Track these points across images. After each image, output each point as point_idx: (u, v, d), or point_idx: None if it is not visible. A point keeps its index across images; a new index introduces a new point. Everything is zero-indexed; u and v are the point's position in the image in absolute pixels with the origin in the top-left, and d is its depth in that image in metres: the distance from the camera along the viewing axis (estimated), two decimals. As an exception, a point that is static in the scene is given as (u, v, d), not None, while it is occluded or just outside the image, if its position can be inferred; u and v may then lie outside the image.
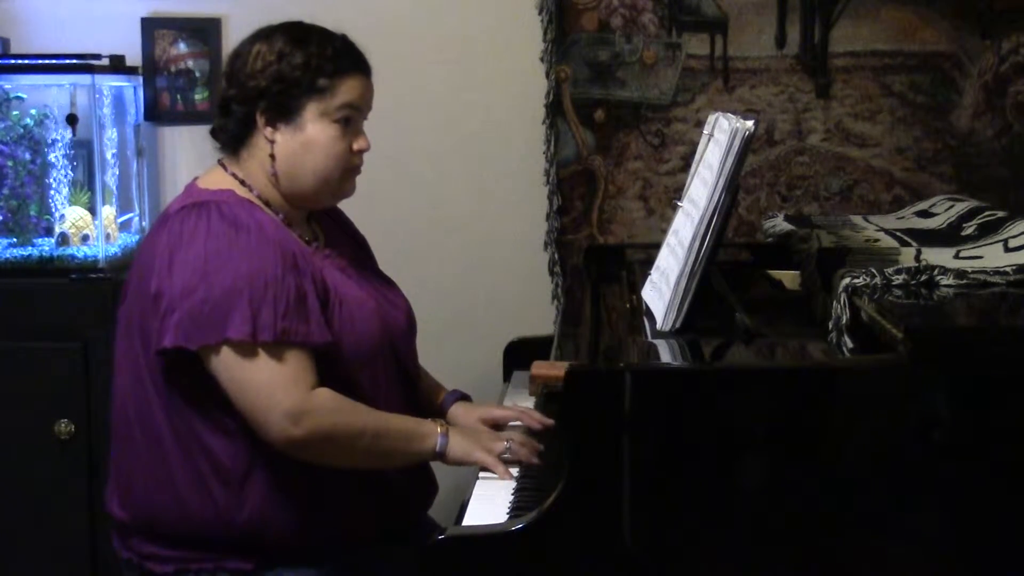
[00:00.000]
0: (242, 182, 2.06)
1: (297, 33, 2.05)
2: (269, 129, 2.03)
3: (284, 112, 2.02)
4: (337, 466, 1.97)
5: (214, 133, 2.11)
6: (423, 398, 2.27)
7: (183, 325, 1.88)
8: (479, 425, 2.21)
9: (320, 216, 2.19)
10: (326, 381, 1.95)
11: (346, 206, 2.30)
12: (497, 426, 2.21)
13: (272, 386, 1.89)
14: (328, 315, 1.98)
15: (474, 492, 2.00)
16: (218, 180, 2.06)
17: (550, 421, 2.14)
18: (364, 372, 2.03)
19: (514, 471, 2.05)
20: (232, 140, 2.08)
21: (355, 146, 2.07)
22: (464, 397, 2.32)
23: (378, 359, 2.07)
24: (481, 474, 2.07)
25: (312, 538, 1.98)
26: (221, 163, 2.10)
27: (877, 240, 2.34)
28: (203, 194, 2.01)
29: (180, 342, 1.89)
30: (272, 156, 2.04)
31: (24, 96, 3.03)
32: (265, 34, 2.06)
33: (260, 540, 1.96)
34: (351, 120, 2.05)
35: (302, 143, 2.03)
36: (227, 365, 1.90)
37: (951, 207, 2.54)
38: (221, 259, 1.90)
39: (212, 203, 1.97)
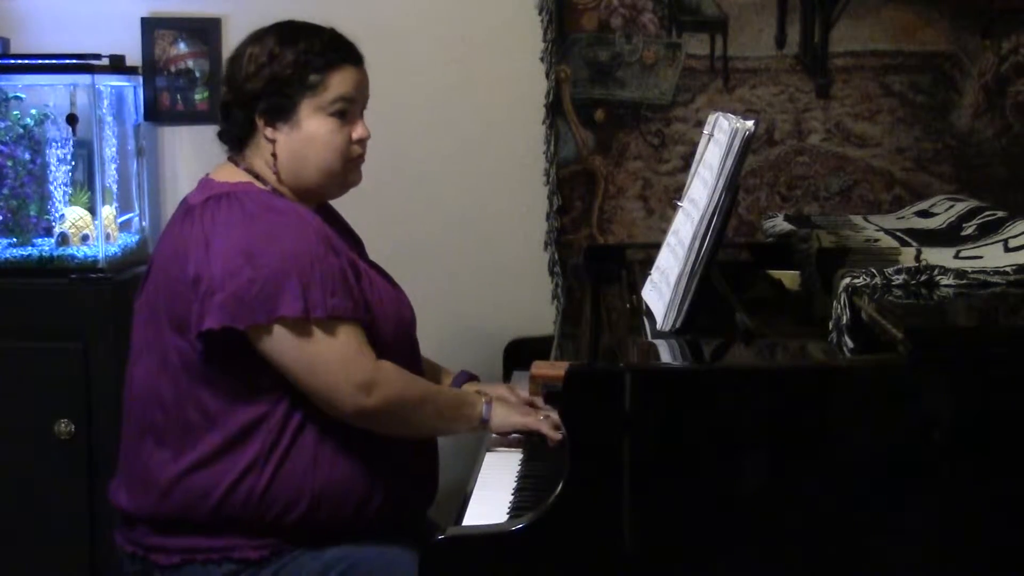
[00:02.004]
0: (256, 176, 2.10)
1: (286, 32, 2.09)
2: (269, 129, 2.07)
3: (280, 112, 2.06)
4: (398, 434, 2.04)
5: (221, 136, 2.15)
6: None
7: (228, 306, 1.92)
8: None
9: (322, 216, 2.20)
10: None
11: (346, 204, 2.30)
12: None
13: (342, 360, 1.96)
14: (363, 294, 2.03)
15: (474, 492, 2.01)
16: (233, 174, 2.11)
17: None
18: (390, 353, 2.07)
19: (515, 468, 2.07)
20: (237, 142, 2.12)
21: (354, 135, 2.11)
22: (472, 377, 2.38)
23: (400, 341, 2.13)
24: (481, 474, 2.07)
25: (318, 515, 2.00)
26: (231, 160, 2.14)
27: (877, 240, 2.34)
28: (224, 186, 2.06)
29: (227, 322, 1.93)
30: (274, 155, 2.07)
31: (24, 96, 3.03)
32: (257, 36, 2.11)
33: (269, 514, 1.99)
34: (347, 111, 2.09)
35: (301, 140, 2.07)
36: (288, 343, 1.94)
37: (951, 207, 2.54)
38: (265, 241, 1.95)
39: (240, 192, 2.02)
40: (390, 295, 2.13)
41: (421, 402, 2.04)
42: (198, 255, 1.96)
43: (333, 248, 2.00)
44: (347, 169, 2.12)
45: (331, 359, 1.95)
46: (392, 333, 2.09)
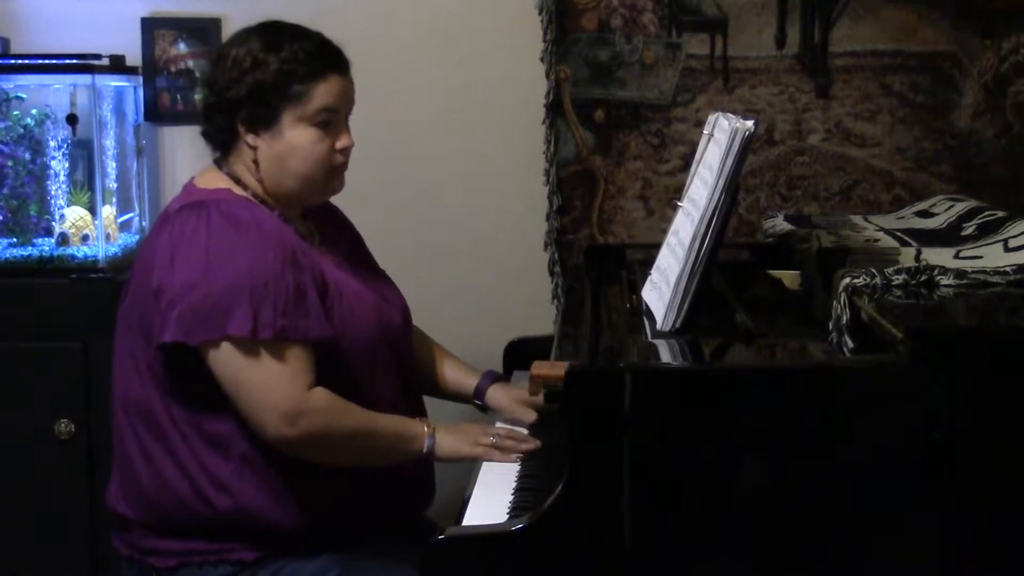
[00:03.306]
0: (237, 181, 2.08)
1: (270, 37, 2.05)
2: (251, 136, 2.05)
3: (262, 120, 2.04)
4: (329, 464, 1.99)
5: (204, 136, 2.13)
6: (453, 381, 2.33)
7: (184, 320, 1.91)
8: (518, 408, 2.25)
9: (315, 213, 2.20)
10: (327, 375, 1.97)
11: (345, 205, 2.30)
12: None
13: (269, 386, 1.91)
14: (328, 309, 2.00)
15: (474, 492, 2.01)
16: (215, 179, 2.08)
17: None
18: (364, 366, 2.05)
19: (514, 468, 2.07)
20: (220, 145, 2.10)
21: (337, 145, 2.08)
22: (500, 378, 2.36)
23: (377, 353, 2.09)
24: (480, 475, 2.07)
25: (310, 525, 2.00)
26: (216, 162, 2.12)
27: (877, 240, 2.34)
28: (201, 193, 2.04)
29: (180, 337, 1.91)
30: (255, 162, 2.06)
31: (24, 96, 3.03)
32: (241, 38, 2.07)
33: (260, 525, 1.98)
34: (331, 121, 2.06)
35: (282, 149, 2.04)
36: (227, 362, 1.92)
37: (951, 207, 2.54)
38: (222, 256, 1.93)
39: (212, 202, 2.00)
40: (366, 305, 2.08)
41: (352, 436, 1.99)
42: (162, 267, 1.95)
43: (296, 264, 1.96)
44: (328, 177, 2.08)
45: (259, 383, 1.91)
46: (366, 345, 2.06)
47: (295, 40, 2.05)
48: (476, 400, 2.35)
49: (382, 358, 2.10)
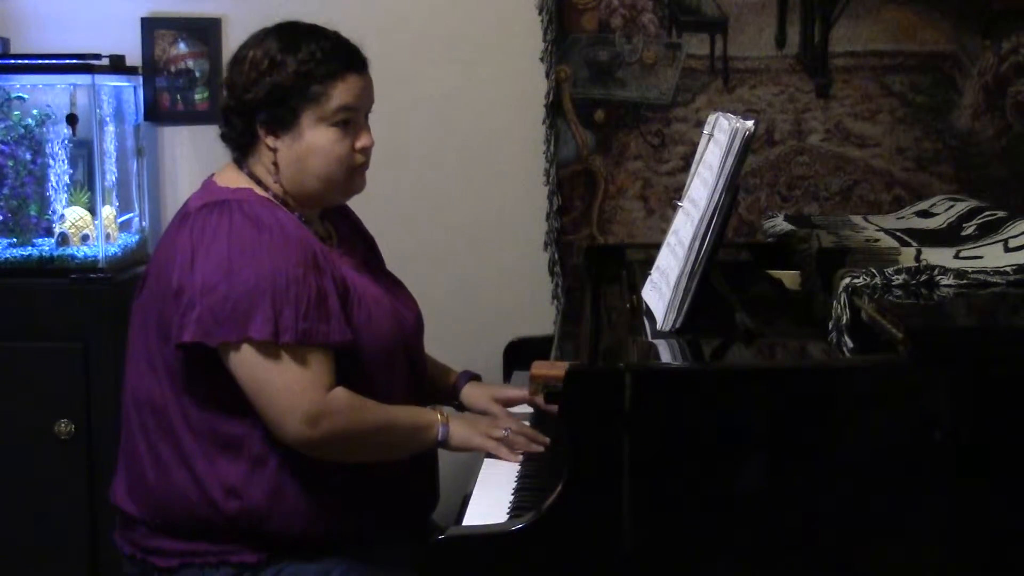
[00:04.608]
0: (258, 182, 2.07)
1: (288, 38, 2.04)
2: (271, 138, 2.04)
3: (281, 122, 2.03)
4: (346, 461, 2.00)
5: (223, 138, 2.12)
6: (431, 381, 2.31)
7: (204, 321, 1.90)
8: (492, 405, 2.27)
9: (332, 215, 2.19)
10: (344, 378, 1.98)
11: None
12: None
13: (291, 389, 1.91)
14: (348, 313, 2.00)
15: (474, 492, 2.01)
16: (236, 179, 2.07)
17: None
18: (380, 369, 2.05)
19: (515, 468, 2.07)
20: (239, 147, 2.09)
21: (358, 144, 2.07)
22: (475, 377, 2.36)
23: (393, 357, 2.09)
24: (481, 474, 2.07)
25: (315, 531, 2.00)
26: (236, 161, 2.11)
27: (877, 240, 2.34)
28: (224, 192, 2.03)
29: (200, 338, 1.91)
30: (275, 164, 2.05)
31: (24, 96, 3.03)
32: (259, 39, 2.06)
33: (265, 529, 1.98)
34: (350, 120, 2.05)
35: (303, 150, 2.04)
36: (248, 364, 1.92)
37: (951, 207, 2.54)
38: (244, 257, 1.92)
39: (234, 202, 1.99)
40: (384, 309, 2.08)
41: (372, 432, 1.99)
42: (183, 266, 1.94)
43: (317, 267, 1.96)
44: (350, 177, 2.08)
45: (281, 386, 1.91)
46: (384, 348, 2.06)
47: (312, 40, 2.04)
48: (453, 400, 2.35)
49: (397, 361, 2.10)
